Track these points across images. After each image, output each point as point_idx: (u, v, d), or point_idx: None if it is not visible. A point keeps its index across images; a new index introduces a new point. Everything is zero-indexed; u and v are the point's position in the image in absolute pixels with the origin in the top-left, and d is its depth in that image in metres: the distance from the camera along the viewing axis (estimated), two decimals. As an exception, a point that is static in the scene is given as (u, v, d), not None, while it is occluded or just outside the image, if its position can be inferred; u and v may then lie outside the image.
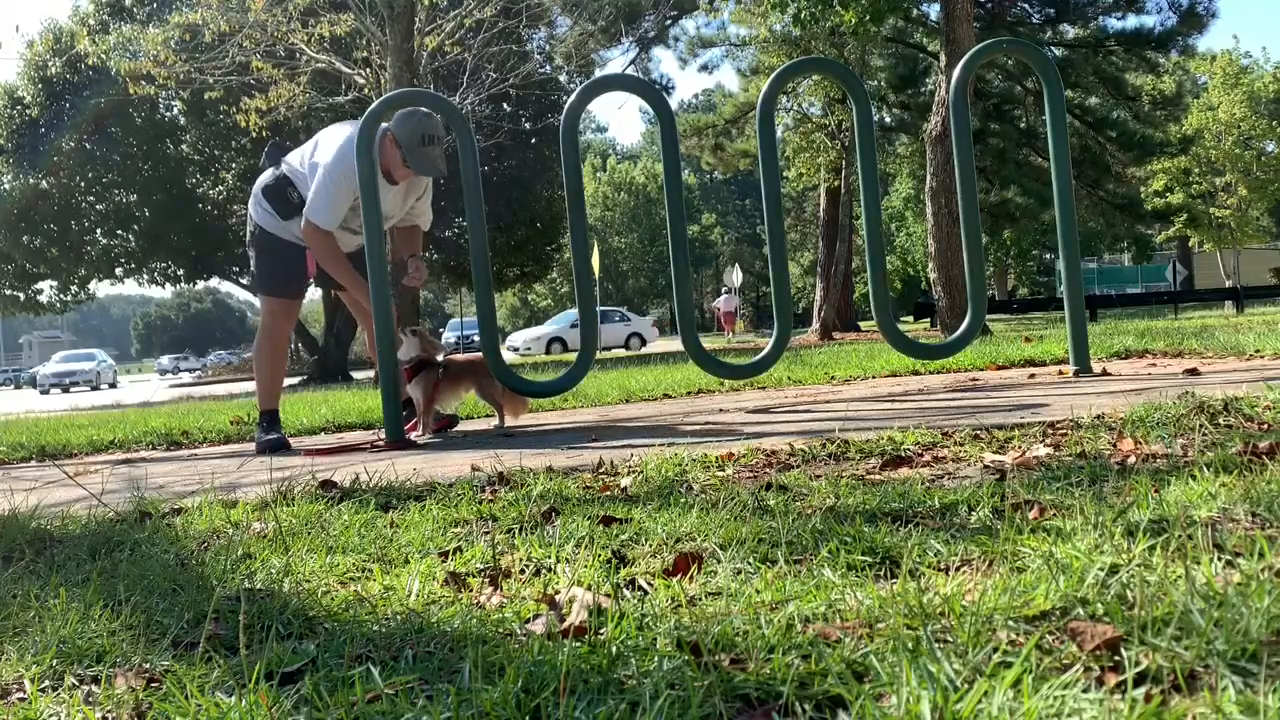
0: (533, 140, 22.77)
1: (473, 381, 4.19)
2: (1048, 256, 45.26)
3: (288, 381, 19.71)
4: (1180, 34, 20.15)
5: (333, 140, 4.01)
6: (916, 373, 5.24)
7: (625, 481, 2.27)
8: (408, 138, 3.91)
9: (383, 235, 3.96)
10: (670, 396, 5.10)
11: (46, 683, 1.21)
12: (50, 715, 1.11)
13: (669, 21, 24.30)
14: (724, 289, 29.86)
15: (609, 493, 2.17)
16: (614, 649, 1.10)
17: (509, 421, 4.21)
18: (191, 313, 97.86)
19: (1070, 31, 21.31)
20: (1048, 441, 2.33)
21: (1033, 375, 4.54)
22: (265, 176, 4.17)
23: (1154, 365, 4.53)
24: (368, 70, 12.29)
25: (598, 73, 22.82)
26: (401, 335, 4.00)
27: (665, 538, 1.65)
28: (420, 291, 12.43)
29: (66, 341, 64.20)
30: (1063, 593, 1.13)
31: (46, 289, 24.91)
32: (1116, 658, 0.97)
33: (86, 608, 1.43)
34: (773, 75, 4.34)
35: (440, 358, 4.11)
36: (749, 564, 1.44)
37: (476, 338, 4.53)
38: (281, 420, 4.35)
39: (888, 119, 22.88)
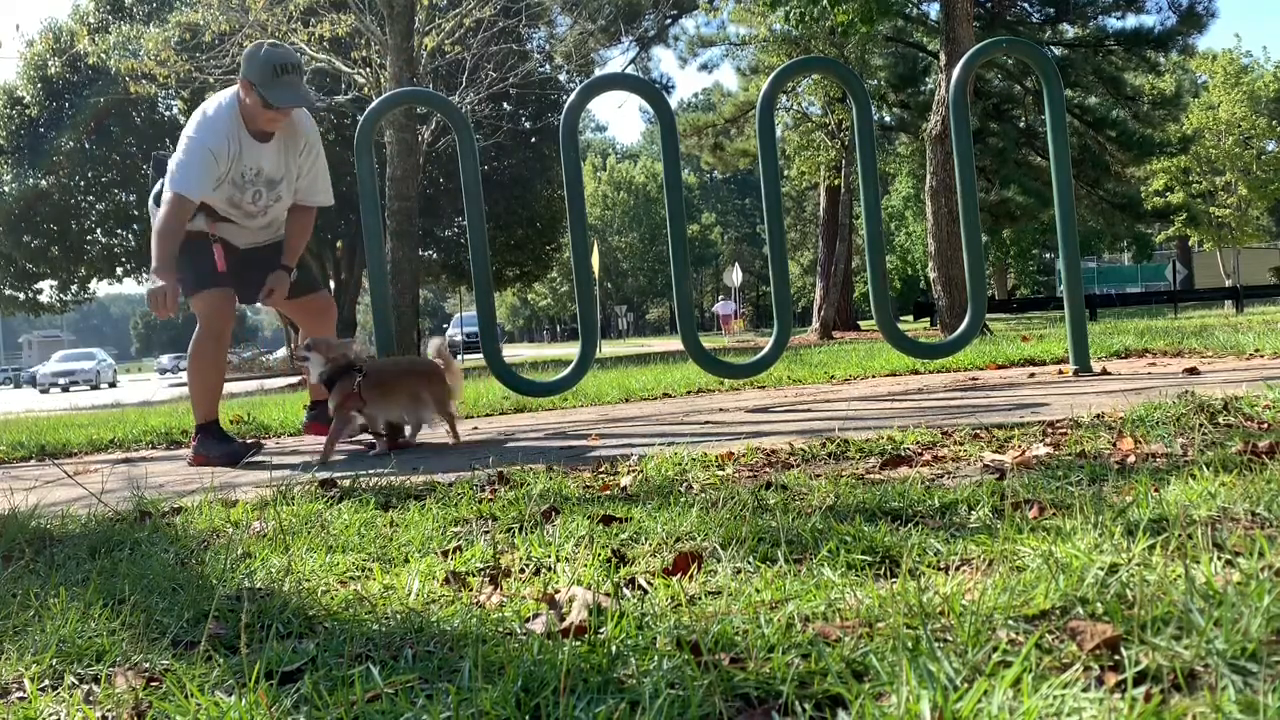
0: (532, 139, 22.78)
1: (408, 390, 3.47)
2: (1048, 256, 45.26)
3: (285, 382, 19.70)
4: (1180, 34, 20.14)
5: (198, 112, 3.65)
6: (916, 372, 5.24)
7: (625, 481, 2.27)
8: (259, 73, 3.46)
9: (382, 234, 3.95)
10: (670, 396, 5.10)
11: (46, 682, 1.21)
12: (50, 715, 1.11)
13: (669, 21, 24.29)
14: (721, 296, 31.19)
15: (609, 492, 2.17)
16: (614, 648, 1.10)
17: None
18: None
19: (1070, 31, 21.29)
20: (1047, 441, 2.33)
21: (1032, 374, 4.54)
22: (157, 187, 3.81)
23: (1154, 364, 4.53)
24: (368, 70, 12.29)
25: (597, 72, 22.81)
26: (302, 356, 3.52)
27: (665, 537, 1.65)
28: (420, 290, 12.42)
29: (66, 341, 64.16)
30: (1062, 592, 1.13)
31: (46, 289, 24.91)
32: (1116, 657, 0.97)
33: (86, 607, 1.43)
34: (773, 74, 4.34)
35: (368, 360, 3.52)
36: (749, 563, 1.44)
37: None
38: (282, 421, 4.33)
39: (888, 118, 22.87)
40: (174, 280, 3.50)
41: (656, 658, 1.06)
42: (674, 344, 19.39)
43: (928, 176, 12.22)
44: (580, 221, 4.09)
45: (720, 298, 31.54)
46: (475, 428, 4.30)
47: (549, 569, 1.54)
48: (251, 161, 3.62)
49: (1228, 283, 32.39)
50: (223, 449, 3.65)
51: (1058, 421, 2.65)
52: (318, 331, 3.89)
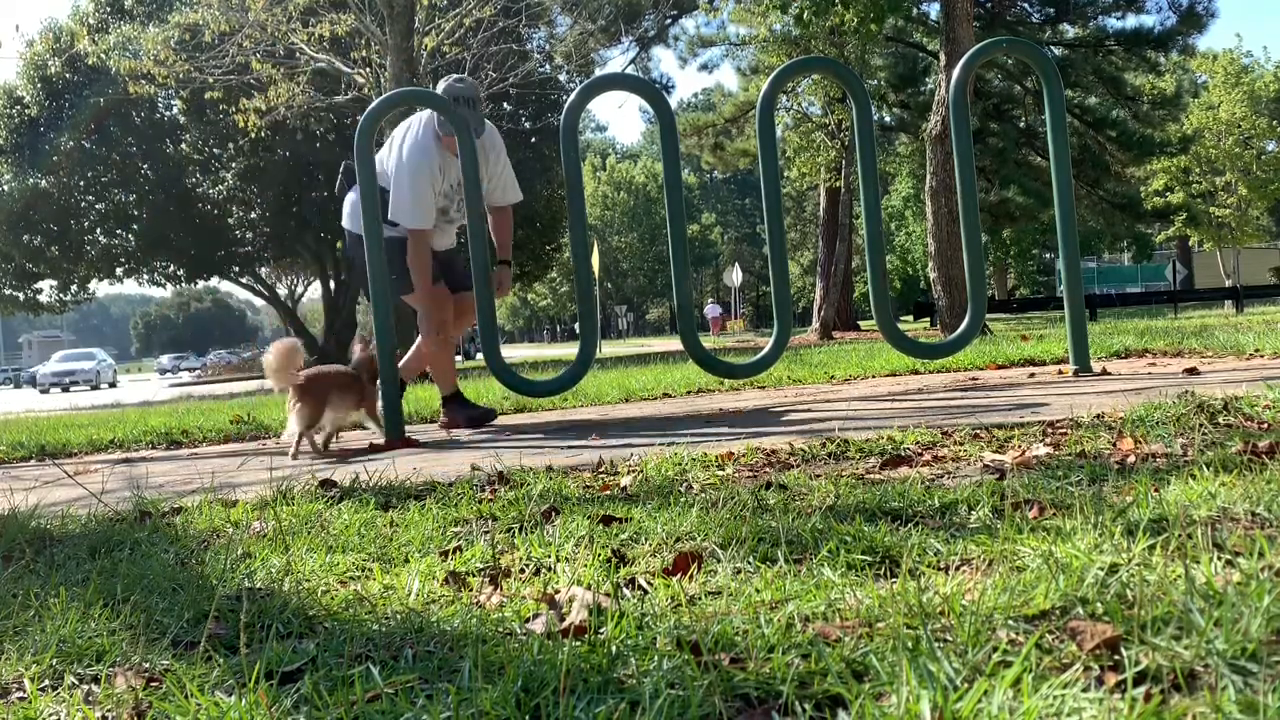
0: (532, 139, 22.76)
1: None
2: (1048, 256, 45.24)
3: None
4: (1180, 34, 20.15)
5: (400, 137, 4.16)
6: (916, 372, 5.24)
7: (625, 481, 2.27)
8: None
9: (382, 235, 3.94)
10: (670, 396, 5.10)
11: (46, 682, 1.21)
12: (50, 715, 1.11)
13: (669, 21, 24.29)
14: (709, 300, 32.37)
15: (609, 492, 2.17)
16: (614, 648, 1.10)
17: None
18: (191, 312, 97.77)
19: (1070, 31, 21.29)
20: (1047, 441, 2.33)
21: (1032, 374, 4.54)
22: (352, 194, 4.24)
23: (1154, 364, 4.53)
24: (367, 70, 12.29)
25: (597, 72, 22.79)
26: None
27: (665, 537, 1.65)
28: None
29: (66, 341, 64.17)
30: (1062, 592, 1.13)
31: (46, 289, 24.91)
32: (1116, 657, 0.97)
33: (86, 607, 1.43)
34: (773, 74, 4.34)
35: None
36: (749, 563, 1.44)
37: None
38: (281, 421, 4.34)
39: (888, 118, 22.87)
40: (432, 293, 4.17)
41: (656, 658, 1.06)
42: (674, 344, 19.38)
43: (928, 176, 12.21)
44: (580, 221, 4.09)
45: (710, 300, 32.30)
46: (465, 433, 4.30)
47: (549, 569, 1.54)
48: (454, 175, 4.18)
49: (1228, 283, 32.38)
50: (466, 413, 4.28)
51: (1058, 421, 2.65)
52: (458, 327, 4.48)
